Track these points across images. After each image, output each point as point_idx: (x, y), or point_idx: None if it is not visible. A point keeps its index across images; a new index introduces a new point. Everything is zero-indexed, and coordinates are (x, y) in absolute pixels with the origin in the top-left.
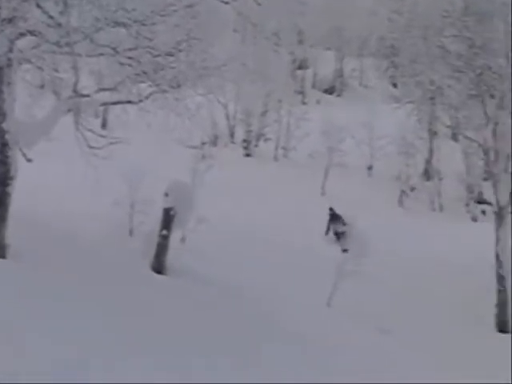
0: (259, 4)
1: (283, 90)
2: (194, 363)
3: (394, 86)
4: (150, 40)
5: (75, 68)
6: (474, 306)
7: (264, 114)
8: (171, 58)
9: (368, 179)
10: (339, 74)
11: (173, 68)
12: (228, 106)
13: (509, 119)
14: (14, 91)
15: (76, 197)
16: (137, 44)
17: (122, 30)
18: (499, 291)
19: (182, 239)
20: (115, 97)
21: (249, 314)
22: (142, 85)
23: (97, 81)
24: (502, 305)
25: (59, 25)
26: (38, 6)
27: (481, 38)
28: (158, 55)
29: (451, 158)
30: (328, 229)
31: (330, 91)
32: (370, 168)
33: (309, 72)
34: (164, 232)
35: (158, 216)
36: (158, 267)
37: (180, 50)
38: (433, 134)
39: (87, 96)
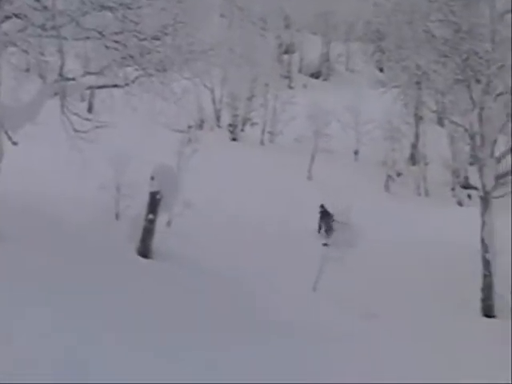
0: None
1: (269, 74)
2: (176, 343)
3: (381, 70)
4: (136, 24)
5: (61, 51)
6: (460, 290)
7: (250, 98)
8: (157, 42)
9: (354, 164)
10: (325, 58)
11: (159, 52)
12: (214, 90)
13: (494, 104)
14: (0, 74)
15: (62, 180)
16: (123, 28)
17: (108, 14)
18: (484, 276)
19: (168, 223)
20: (101, 80)
21: (233, 296)
22: (128, 68)
23: (83, 64)
24: (487, 289)
25: (45, 8)
26: None
27: (467, 23)
28: (144, 39)
29: (437, 142)
30: (320, 226)
31: (316, 75)
32: (356, 153)
33: (295, 56)
34: (150, 216)
35: (144, 200)
36: (144, 251)
37: (166, 34)
38: (419, 118)
39: (73, 79)
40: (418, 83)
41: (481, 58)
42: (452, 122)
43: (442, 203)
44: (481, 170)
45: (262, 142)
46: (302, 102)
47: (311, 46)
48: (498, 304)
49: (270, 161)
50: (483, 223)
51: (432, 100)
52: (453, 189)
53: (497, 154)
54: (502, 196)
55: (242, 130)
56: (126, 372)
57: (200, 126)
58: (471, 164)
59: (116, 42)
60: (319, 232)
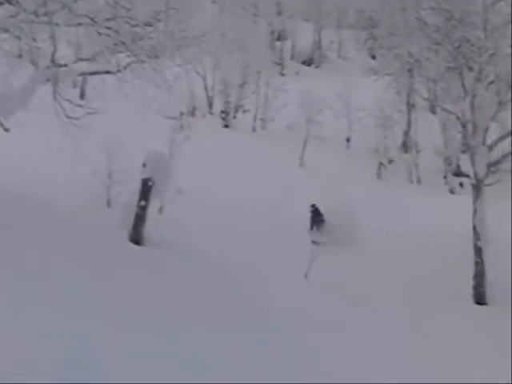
0: None
1: (262, 61)
2: (166, 329)
3: (373, 58)
4: (128, 10)
5: (53, 38)
6: (451, 277)
7: (242, 85)
8: (149, 28)
9: (346, 151)
10: (318, 45)
11: (151, 38)
12: (206, 77)
13: (486, 92)
14: None
15: (53, 167)
16: (115, 14)
17: (100, 0)
18: (476, 263)
19: (160, 210)
20: (93, 67)
21: (225, 283)
22: (120, 55)
23: (75, 51)
24: (479, 276)
25: None
26: None
27: (459, 11)
28: (137, 25)
29: (429, 130)
30: (312, 225)
31: (308, 63)
32: (348, 140)
33: (287, 43)
34: (142, 202)
35: (135, 186)
36: (136, 238)
37: (158, 20)
38: (411, 106)
39: (65, 66)
40: (410, 71)
41: (473, 45)
42: (444, 110)
43: (433, 191)
44: (473, 158)
45: (253, 129)
46: (294, 89)
47: (303, 33)
48: (490, 291)
49: (261, 148)
50: (475, 211)
51: (424, 88)
52: (445, 176)
53: (488, 141)
54: (493, 184)
55: (234, 117)
56: (114, 355)
57: (192, 112)
58: (463, 152)
59: (108, 28)
60: (311, 230)
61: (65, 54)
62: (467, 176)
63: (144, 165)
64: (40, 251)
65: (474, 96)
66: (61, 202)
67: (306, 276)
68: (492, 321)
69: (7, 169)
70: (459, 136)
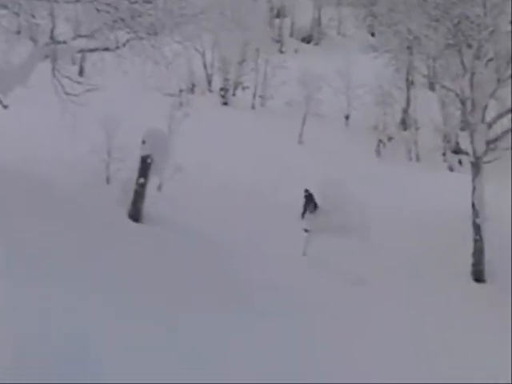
0: None
1: (261, 38)
2: (165, 306)
3: (372, 35)
4: None
5: (52, 14)
6: (450, 255)
7: (241, 62)
8: (149, 5)
9: (345, 128)
10: (317, 22)
11: (150, 15)
12: (205, 54)
13: (485, 69)
14: None
15: (52, 144)
16: None
17: None
18: (475, 240)
19: (159, 187)
20: (92, 44)
21: (223, 260)
22: (119, 32)
23: (74, 27)
24: (477, 254)
25: None
26: None
27: None
28: (136, 2)
29: (428, 107)
30: (304, 211)
31: (307, 40)
32: (347, 117)
33: (286, 21)
34: (141, 180)
35: (135, 164)
36: (135, 215)
37: None
38: (410, 83)
39: (64, 43)
40: (409, 48)
41: (472, 22)
42: (443, 87)
43: (432, 168)
44: (472, 136)
45: (253, 106)
46: (293, 66)
47: (303, 11)
48: (488, 269)
49: (260, 125)
50: (474, 188)
51: (423, 65)
52: (444, 154)
53: (488, 119)
54: (492, 161)
55: (234, 95)
56: (113, 333)
57: (191, 89)
58: (462, 129)
59: (107, 4)
60: (303, 217)
61: (64, 30)
62: (466, 153)
63: (143, 142)
64: (39, 228)
65: (473, 73)
66: (60, 179)
67: (304, 254)
68: (490, 298)
69: (6, 146)
70: (458, 113)
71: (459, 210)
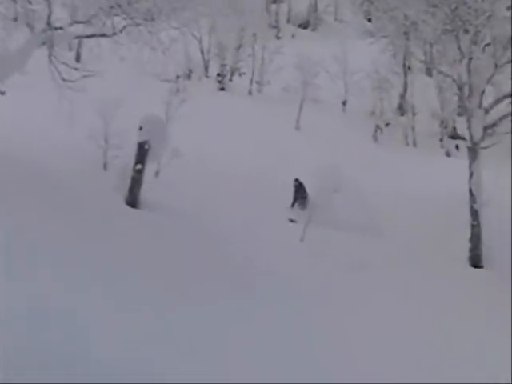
0: None
1: (258, 24)
2: (163, 294)
3: (369, 20)
4: None
5: (48, 0)
6: (448, 240)
7: (238, 48)
8: None
9: (342, 114)
10: (314, 8)
11: (147, 1)
12: (202, 40)
13: (483, 54)
14: None
15: (49, 130)
16: None
17: None
18: (472, 226)
19: (156, 173)
20: (89, 30)
21: (220, 247)
22: (116, 18)
23: (70, 13)
24: (475, 239)
25: None
26: None
27: None
28: None
29: (425, 92)
30: (294, 201)
31: (304, 26)
32: (344, 103)
33: (283, 6)
34: (138, 166)
35: (132, 150)
36: (132, 201)
37: None
38: (407, 68)
39: (61, 29)
40: (406, 33)
41: (469, 8)
42: (440, 73)
43: (430, 153)
44: (469, 121)
45: (250, 92)
46: (290, 52)
47: None
48: (486, 254)
49: (258, 111)
50: (471, 173)
51: (420, 50)
52: (441, 139)
53: (485, 104)
54: (489, 146)
55: (231, 80)
56: (112, 321)
57: (188, 75)
58: (459, 114)
59: None
60: (292, 206)
61: (60, 16)
62: (463, 139)
63: (140, 128)
64: (36, 215)
65: (470, 59)
66: (57, 166)
67: (301, 239)
68: (488, 284)
69: (2, 132)
70: (455, 99)
71: (456, 196)
